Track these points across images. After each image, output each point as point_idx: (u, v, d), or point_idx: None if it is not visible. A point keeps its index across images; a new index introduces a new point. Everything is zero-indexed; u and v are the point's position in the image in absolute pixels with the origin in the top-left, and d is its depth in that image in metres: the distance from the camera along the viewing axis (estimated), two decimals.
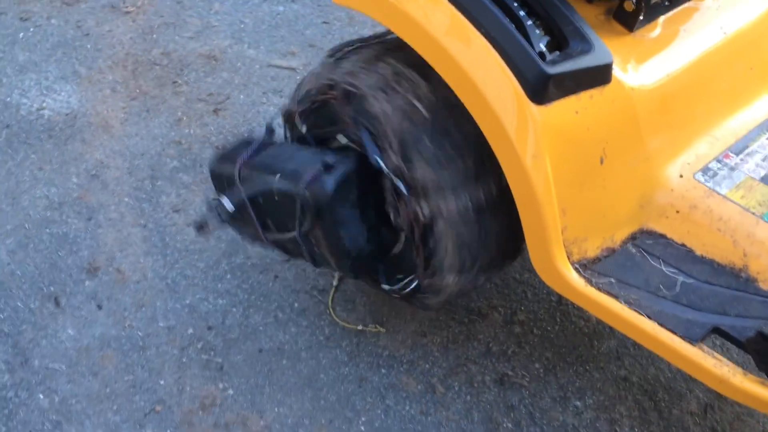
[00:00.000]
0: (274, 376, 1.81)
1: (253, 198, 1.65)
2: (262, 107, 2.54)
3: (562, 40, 1.36)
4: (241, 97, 2.57)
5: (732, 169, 1.53)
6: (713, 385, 1.27)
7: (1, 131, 2.39)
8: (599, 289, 1.37)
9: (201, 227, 1.83)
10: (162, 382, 1.78)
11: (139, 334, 1.88)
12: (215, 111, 2.51)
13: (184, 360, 1.83)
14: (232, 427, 1.71)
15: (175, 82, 2.60)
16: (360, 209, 1.56)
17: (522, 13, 1.35)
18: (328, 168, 1.49)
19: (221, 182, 1.75)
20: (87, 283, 1.99)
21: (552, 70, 1.29)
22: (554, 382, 1.81)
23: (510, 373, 1.83)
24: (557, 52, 1.36)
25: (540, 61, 1.29)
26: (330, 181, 1.48)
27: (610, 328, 1.88)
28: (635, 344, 1.89)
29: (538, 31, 1.35)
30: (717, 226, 1.44)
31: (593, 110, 1.38)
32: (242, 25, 2.89)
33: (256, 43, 2.81)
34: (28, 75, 2.60)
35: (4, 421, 1.70)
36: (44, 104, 2.50)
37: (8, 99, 2.50)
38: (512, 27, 1.32)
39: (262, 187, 1.62)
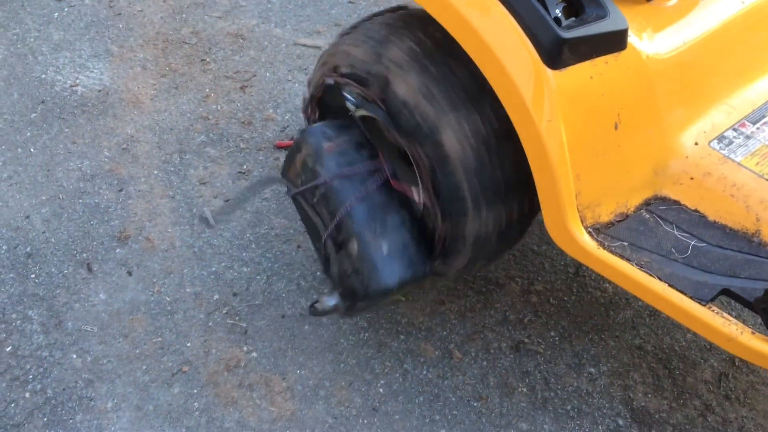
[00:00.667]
0: (296, 340, 1.86)
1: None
2: (287, 84, 2.59)
3: (578, 6, 1.38)
4: (267, 74, 2.63)
5: (748, 137, 1.55)
6: (721, 344, 1.29)
7: (36, 107, 2.47)
8: (612, 252, 1.40)
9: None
10: (189, 345, 1.85)
11: (167, 299, 1.95)
12: (242, 88, 2.57)
13: (210, 324, 1.89)
14: (256, 387, 1.77)
15: (203, 60, 2.67)
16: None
17: None
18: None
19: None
20: (118, 250, 2.06)
21: (567, 34, 1.32)
22: (569, 350, 1.84)
23: (526, 340, 1.86)
24: (573, 18, 1.38)
25: (555, 26, 1.32)
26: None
27: (627, 298, 1.91)
28: (651, 314, 1.91)
29: None
30: (730, 192, 1.46)
31: (608, 76, 1.40)
32: (269, 5, 2.94)
33: (282, 22, 2.86)
34: (63, 53, 2.68)
35: (39, 379, 1.77)
36: (78, 81, 2.57)
37: (43, 76, 2.59)
38: None
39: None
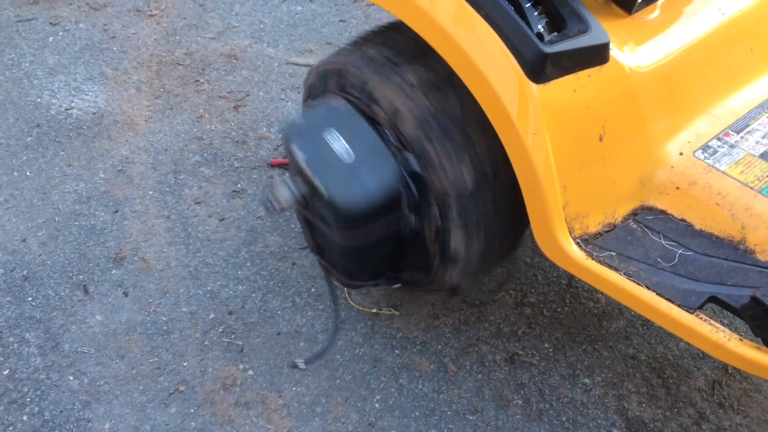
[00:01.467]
0: (292, 358, 1.87)
1: None
2: (280, 103, 2.62)
3: (560, 21, 1.41)
4: (261, 93, 2.65)
5: (732, 146, 1.57)
6: (710, 351, 1.30)
7: (32, 130, 2.50)
8: (600, 262, 1.42)
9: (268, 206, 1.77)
10: (185, 364, 1.86)
11: (163, 319, 1.96)
12: (235, 107, 2.59)
13: (206, 343, 1.90)
14: (252, 405, 1.77)
15: (197, 81, 2.70)
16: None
17: None
18: None
19: None
20: (114, 271, 2.07)
21: (549, 49, 1.34)
22: (563, 361, 1.85)
23: (520, 352, 1.87)
24: (555, 33, 1.40)
25: (537, 41, 1.34)
26: None
27: (619, 308, 1.92)
28: (644, 324, 1.92)
29: (536, 13, 1.40)
30: (716, 201, 1.47)
31: (591, 89, 1.43)
32: (261, 25, 2.98)
33: (275, 41, 2.89)
34: (58, 77, 2.71)
35: (36, 402, 1.78)
36: (73, 104, 2.60)
37: (39, 99, 2.61)
38: (510, 9, 1.37)
39: None
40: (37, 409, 1.77)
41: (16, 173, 2.34)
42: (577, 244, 1.45)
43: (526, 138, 1.38)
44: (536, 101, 1.38)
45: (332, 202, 1.53)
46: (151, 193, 2.29)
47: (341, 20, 3.00)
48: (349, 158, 1.54)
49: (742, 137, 1.59)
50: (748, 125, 1.62)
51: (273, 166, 2.38)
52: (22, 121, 2.52)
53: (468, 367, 1.84)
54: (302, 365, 1.83)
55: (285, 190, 1.63)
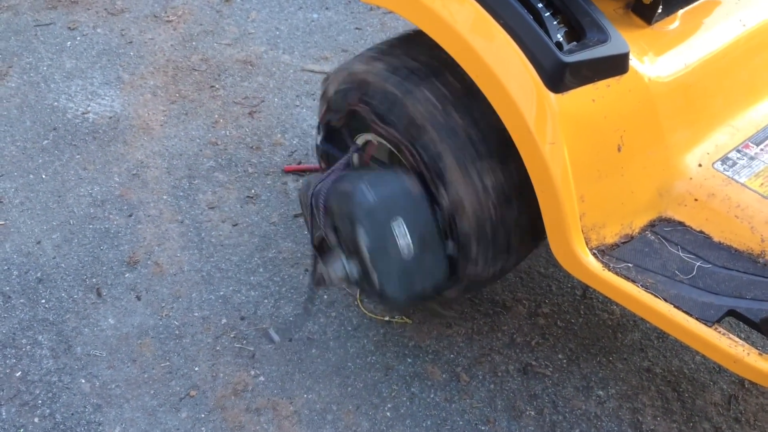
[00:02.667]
0: (303, 364, 1.86)
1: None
2: (295, 110, 2.62)
3: (580, 30, 1.40)
4: (276, 100, 2.66)
5: (752, 158, 1.55)
6: (728, 365, 1.28)
7: (48, 134, 2.51)
8: (617, 273, 1.40)
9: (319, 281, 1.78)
10: (197, 369, 1.85)
11: (176, 323, 1.96)
12: (250, 113, 2.60)
13: (217, 348, 1.90)
14: (263, 412, 1.77)
15: (212, 87, 2.70)
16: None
17: (540, 5, 1.40)
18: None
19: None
20: (127, 275, 2.07)
21: (568, 58, 1.34)
22: (577, 372, 1.83)
23: (533, 363, 1.86)
24: (574, 43, 1.40)
25: (557, 50, 1.34)
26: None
27: (634, 320, 1.91)
28: (659, 336, 1.90)
29: (555, 22, 1.39)
30: (735, 213, 1.46)
31: (610, 99, 1.42)
32: (278, 32, 2.99)
33: (290, 48, 2.90)
34: (75, 81, 2.72)
35: (48, 404, 1.78)
36: (89, 108, 2.61)
37: (56, 103, 2.63)
38: (530, 18, 1.37)
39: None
40: (48, 411, 1.77)
41: (32, 176, 2.35)
42: (594, 255, 1.44)
43: (543, 147, 1.37)
44: (554, 111, 1.37)
45: (382, 293, 1.58)
46: (165, 197, 2.30)
47: (357, 28, 3.00)
48: (408, 255, 1.52)
49: (762, 149, 1.57)
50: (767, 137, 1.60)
51: (287, 172, 2.38)
52: (38, 125, 2.54)
53: (480, 377, 1.83)
54: (276, 337, 1.81)
55: (339, 269, 1.64)
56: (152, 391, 1.81)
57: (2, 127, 2.52)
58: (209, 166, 2.40)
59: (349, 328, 1.94)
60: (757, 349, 1.29)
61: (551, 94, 1.37)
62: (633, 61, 1.45)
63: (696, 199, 1.50)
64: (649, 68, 1.50)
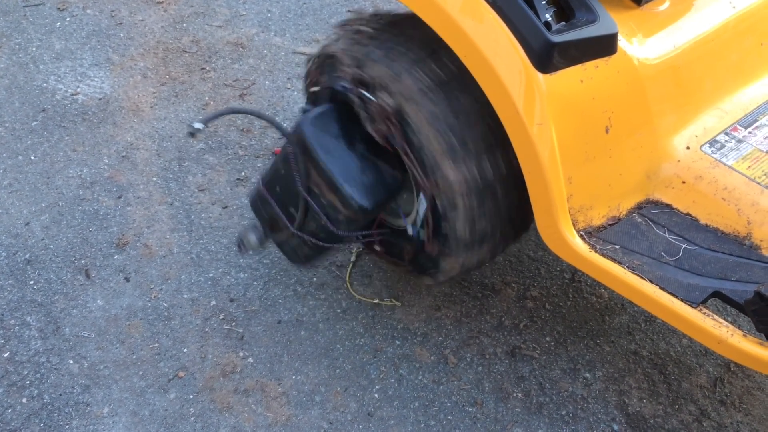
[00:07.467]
0: (292, 346, 1.87)
1: (272, 188, 1.76)
2: (286, 92, 2.61)
3: (568, 10, 1.39)
4: (267, 82, 2.64)
5: (739, 141, 1.55)
6: (712, 346, 1.29)
7: (37, 115, 2.49)
8: (603, 255, 1.40)
9: (240, 246, 1.90)
10: (185, 350, 1.85)
11: (164, 305, 1.95)
12: (241, 96, 2.58)
13: (206, 330, 1.90)
14: (252, 393, 1.77)
15: (203, 69, 2.69)
16: (345, 141, 1.64)
17: None
18: (305, 112, 1.69)
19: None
20: (116, 257, 2.07)
21: (556, 38, 1.33)
22: (564, 355, 1.84)
23: (521, 345, 1.86)
24: (563, 23, 1.39)
25: (545, 30, 1.33)
26: (305, 120, 1.63)
27: (622, 303, 1.91)
28: (647, 320, 1.91)
29: (543, 2, 1.38)
30: (722, 196, 1.46)
31: (599, 80, 1.41)
32: (269, 14, 2.97)
33: (282, 31, 2.88)
34: (64, 62, 2.70)
35: (36, 385, 1.78)
36: (78, 89, 2.60)
37: (45, 85, 2.61)
38: None
39: (273, 172, 1.75)
40: (36, 392, 1.77)
41: (20, 157, 2.34)
42: (581, 236, 1.44)
43: (531, 128, 1.37)
44: (542, 91, 1.37)
45: (353, 202, 1.61)
46: (155, 179, 2.29)
47: (349, 10, 2.98)
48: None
49: (750, 132, 1.57)
50: (756, 120, 1.60)
51: (277, 154, 2.37)
52: (27, 106, 2.52)
53: (468, 359, 1.83)
54: (199, 125, 1.80)
55: (254, 239, 1.85)
56: (141, 372, 1.81)
57: None
58: (199, 148, 2.39)
59: (339, 311, 1.94)
60: (741, 330, 1.29)
61: (539, 75, 1.36)
62: (622, 42, 1.45)
63: (683, 182, 1.50)
64: (638, 49, 1.50)
